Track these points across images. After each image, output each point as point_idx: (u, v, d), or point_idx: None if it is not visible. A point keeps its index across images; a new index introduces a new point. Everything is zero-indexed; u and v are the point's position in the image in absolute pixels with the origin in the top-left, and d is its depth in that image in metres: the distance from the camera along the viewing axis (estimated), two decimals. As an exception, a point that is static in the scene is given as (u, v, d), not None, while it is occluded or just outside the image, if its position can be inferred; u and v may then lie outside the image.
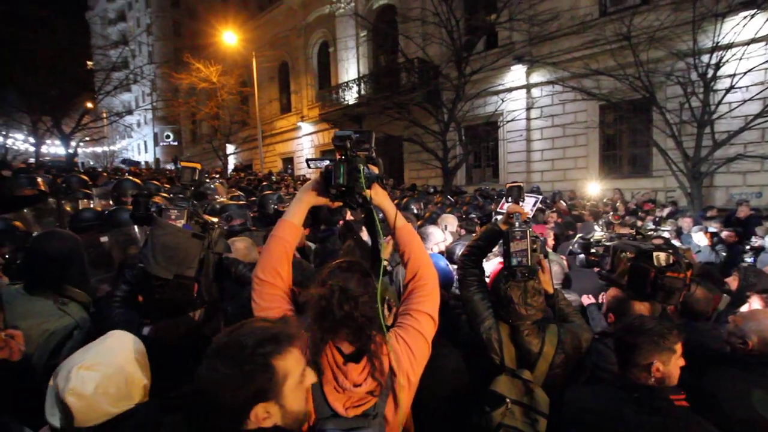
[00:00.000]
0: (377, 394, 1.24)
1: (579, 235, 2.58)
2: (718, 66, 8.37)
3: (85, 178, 7.06)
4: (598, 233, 2.62)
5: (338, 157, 1.25)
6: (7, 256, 2.21)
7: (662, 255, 1.73)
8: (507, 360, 1.72)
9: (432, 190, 11.64)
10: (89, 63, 18.39)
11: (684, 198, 9.40)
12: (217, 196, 4.99)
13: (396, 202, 6.60)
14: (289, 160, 22.82)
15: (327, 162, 1.29)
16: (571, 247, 2.53)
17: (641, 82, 9.11)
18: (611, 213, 7.15)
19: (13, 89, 15.81)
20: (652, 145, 10.13)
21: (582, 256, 2.44)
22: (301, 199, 1.37)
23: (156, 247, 1.38)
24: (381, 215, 1.43)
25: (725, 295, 2.99)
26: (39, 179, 4.63)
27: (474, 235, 3.07)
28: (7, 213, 3.44)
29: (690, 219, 6.48)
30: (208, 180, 6.11)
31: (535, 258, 1.66)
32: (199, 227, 1.46)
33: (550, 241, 3.57)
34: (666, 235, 4.62)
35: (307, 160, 1.42)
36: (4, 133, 22.03)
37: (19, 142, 23.70)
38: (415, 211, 5.23)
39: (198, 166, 1.60)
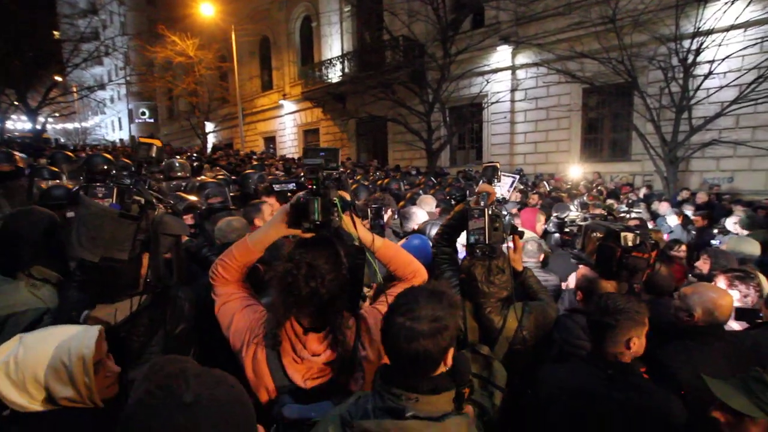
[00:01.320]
0: (336, 369, 1.24)
1: (554, 215, 2.62)
2: (698, 51, 8.49)
3: (70, 154, 6.77)
4: (573, 213, 2.67)
5: (309, 187, 1.22)
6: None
7: (629, 235, 1.77)
8: (470, 336, 1.78)
9: (414, 171, 11.59)
10: (55, 33, 17.33)
11: (659, 182, 9.66)
12: (183, 173, 4.85)
13: (379, 183, 6.55)
14: (271, 140, 22.33)
15: (292, 185, 1.26)
16: (546, 227, 2.57)
17: (624, 66, 9.18)
18: (586, 194, 7.30)
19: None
20: (632, 130, 10.30)
21: (557, 235, 2.48)
22: (269, 234, 1.33)
23: (79, 228, 1.29)
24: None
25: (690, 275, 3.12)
26: (17, 155, 4.41)
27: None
28: None
29: (666, 203, 6.67)
30: (176, 158, 5.88)
31: (497, 236, 1.67)
32: (137, 206, 1.34)
33: (540, 226, 3.59)
34: (641, 216, 4.76)
35: (272, 183, 1.40)
36: (-36, 106, 20.81)
37: (-18, 116, 22.44)
38: (395, 190, 5.21)
39: (157, 142, 1.51)
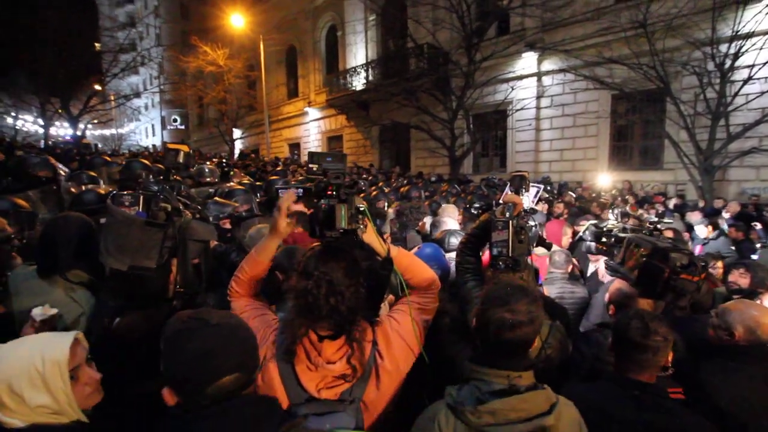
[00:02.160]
0: (351, 379, 1.22)
1: (591, 222, 2.54)
2: (736, 56, 8.12)
3: (108, 158, 7.08)
4: (611, 222, 2.58)
5: (329, 193, 1.20)
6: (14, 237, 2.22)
7: (678, 255, 1.68)
8: None
9: (434, 178, 11.53)
10: (97, 45, 18.34)
11: (693, 191, 9.25)
12: (212, 178, 4.97)
13: (401, 190, 6.55)
14: (295, 146, 22.75)
15: (296, 189, 1.25)
16: (582, 234, 2.49)
17: (656, 71, 8.88)
18: (628, 203, 7.02)
19: (21, 71, 15.87)
20: (664, 137, 9.93)
21: (592, 243, 2.40)
22: (270, 243, 1.34)
23: (107, 236, 1.30)
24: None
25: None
26: (52, 160, 4.64)
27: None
28: (20, 192, 3.45)
29: (698, 213, 6.38)
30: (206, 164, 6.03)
31: (521, 249, 1.63)
32: (164, 213, 1.34)
33: (567, 240, 3.46)
34: (673, 226, 4.56)
35: (276, 188, 1.40)
36: (14, 114, 22.23)
37: (29, 123, 23.92)
38: (414, 198, 5.21)
39: (185, 148, 1.53)
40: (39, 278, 1.76)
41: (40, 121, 17.38)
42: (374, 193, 5.73)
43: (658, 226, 2.59)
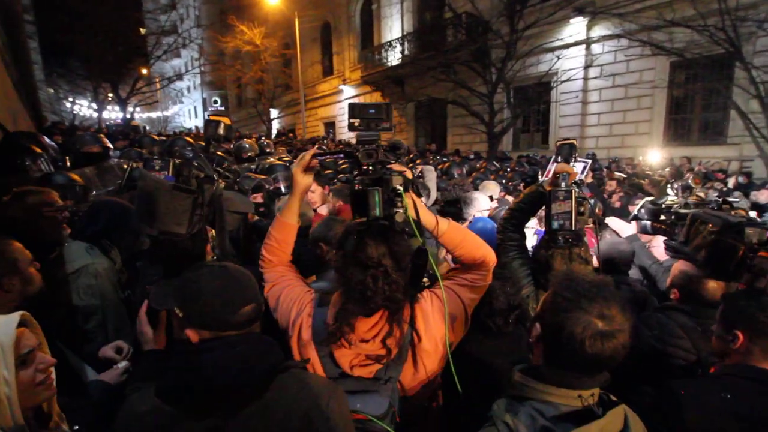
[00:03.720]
0: (385, 360, 1.17)
1: (648, 199, 2.30)
2: (825, 11, 7.11)
3: (155, 137, 7.45)
4: (671, 198, 2.33)
5: (365, 168, 1.10)
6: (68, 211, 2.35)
7: (754, 230, 1.47)
8: None
9: (472, 156, 11.15)
10: (142, 29, 18.99)
11: (762, 169, 8.36)
12: (252, 153, 5.06)
13: (440, 167, 6.37)
14: (330, 125, 22.78)
15: (335, 155, 1.15)
16: (636, 212, 2.27)
17: (725, 33, 7.95)
18: (690, 176, 6.44)
19: (75, 57, 16.77)
20: (730, 108, 8.97)
21: (648, 222, 2.17)
22: (293, 200, 1.36)
23: (140, 201, 1.30)
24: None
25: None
26: (103, 137, 4.91)
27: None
28: (76, 168, 3.66)
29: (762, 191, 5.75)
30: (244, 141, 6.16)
31: (582, 223, 1.48)
32: (195, 181, 1.27)
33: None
34: (741, 205, 4.12)
35: (317, 155, 1.32)
36: (71, 99, 23.71)
37: (84, 108, 25.49)
38: (456, 176, 5.03)
39: (226, 120, 1.49)
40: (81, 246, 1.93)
41: (94, 106, 18.45)
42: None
43: (728, 199, 2.30)
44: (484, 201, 3.15)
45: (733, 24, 7.89)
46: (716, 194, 5.86)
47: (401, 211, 1.08)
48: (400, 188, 1.08)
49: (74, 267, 1.80)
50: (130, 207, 2.02)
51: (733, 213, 2.26)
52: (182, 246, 1.25)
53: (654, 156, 10.18)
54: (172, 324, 1.12)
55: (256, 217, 2.65)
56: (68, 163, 4.41)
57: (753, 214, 4.88)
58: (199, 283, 1.01)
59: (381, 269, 1.11)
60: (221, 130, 1.45)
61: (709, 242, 1.68)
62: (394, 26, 17.27)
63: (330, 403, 0.98)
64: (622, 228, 2.69)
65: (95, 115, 19.29)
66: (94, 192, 3.31)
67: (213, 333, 1.00)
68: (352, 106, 1.19)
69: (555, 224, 1.47)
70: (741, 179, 7.82)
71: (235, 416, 0.93)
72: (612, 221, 2.77)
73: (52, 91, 20.30)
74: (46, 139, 3.86)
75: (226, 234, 1.47)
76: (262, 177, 3.46)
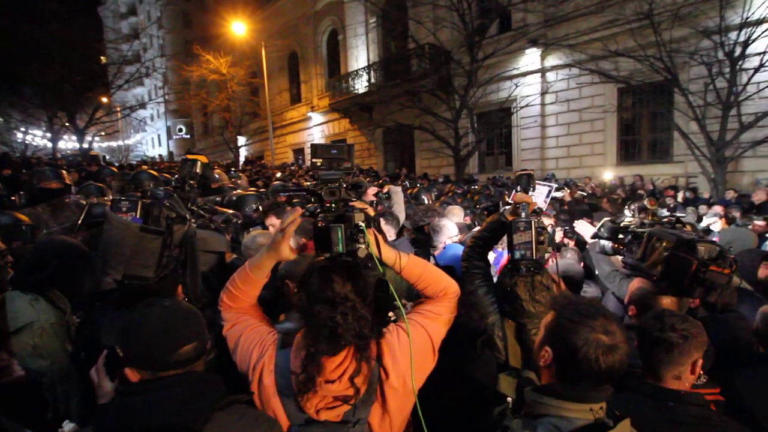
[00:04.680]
0: (352, 401, 1.12)
1: (606, 219, 2.41)
2: (746, 44, 7.94)
3: (116, 168, 7.12)
4: (628, 218, 2.45)
5: (327, 205, 1.11)
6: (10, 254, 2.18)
7: (706, 246, 1.57)
8: (512, 359, 1.62)
9: (441, 179, 11.43)
10: (102, 58, 18.55)
11: (705, 184, 9.04)
12: (223, 184, 4.95)
13: (409, 191, 6.48)
14: (299, 151, 22.78)
15: (292, 192, 1.16)
16: (597, 230, 2.37)
17: (663, 63, 8.72)
18: (646, 198, 6.84)
19: (29, 85, 16.09)
20: (673, 129, 9.73)
21: (607, 243, 2.27)
22: (266, 260, 1.21)
23: (105, 244, 1.24)
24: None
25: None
26: (64, 172, 4.65)
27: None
28: (32, 206, 3.43)
29: (713, 206, 6.21)
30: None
31: (542, 251, 1.54)
32: (164, 221, 1.24)
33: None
34: (689, 221, 4.41)
35: (275, 191, 1.30)
36: (23, 129, 22.55)
37: (38, 138, 24.27)
38: (426, 202, 5.12)
39: (203, 158, 1.46)
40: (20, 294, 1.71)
41: (49, 135, 17.61)
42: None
43: (677, 215, 2.46)
44: (452, 228, 3.21)
45: (669, 54, 8.67)
46: (665, 209, 6.27)
47: (363, 246, 1.09)
48: (362, 225, 1.09)
49: (16, 325, 1.61)
50: (84, 249, 1.86)
51: (685, 228, 2.43)
52: (150, 290, 1.19)
53: (609, 174, 10.80)
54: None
55: (234, 255, 2.53)
56: (21, 200, 4.12)
57: (703, 224, 5.26)
58: (140, 322, 1.01)
59: (349, 304, 1.09)
60: (198, 169, 1.42)
61: (665, 258, 1.79)
62: (360, 56, 17.77)
63: None
64: (588, 232, 2.77)
65: (49, 145, 18.40)
66: (44, 231, 3.09)
67: (151, 373, 1.00)
68: (314, 147, 1.19)
69: (517, 254, 1.52)
70: (688, 194, 8.43)
71: None
72: (580, 225, 2.85)
73: (2, 120, 19.28)
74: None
75: (198, 276, 1.39)
76: (230, 212, 3.36)
